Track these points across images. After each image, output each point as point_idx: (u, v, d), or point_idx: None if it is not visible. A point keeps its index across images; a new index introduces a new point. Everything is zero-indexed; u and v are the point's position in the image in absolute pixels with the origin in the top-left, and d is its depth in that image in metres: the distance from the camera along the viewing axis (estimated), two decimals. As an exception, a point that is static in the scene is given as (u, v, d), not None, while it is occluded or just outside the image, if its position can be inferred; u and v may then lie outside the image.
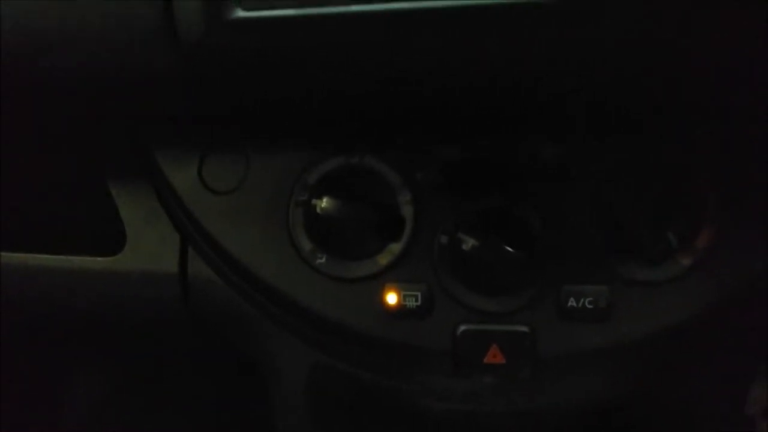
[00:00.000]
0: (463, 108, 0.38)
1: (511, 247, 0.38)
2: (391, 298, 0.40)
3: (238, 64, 0.34)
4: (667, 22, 0.30)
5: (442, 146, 0.40)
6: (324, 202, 0.39)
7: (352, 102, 0.38)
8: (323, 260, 0.41)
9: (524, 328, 0.40)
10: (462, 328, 0.40)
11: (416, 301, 0.40)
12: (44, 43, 0.35)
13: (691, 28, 0.30)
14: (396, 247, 0.41)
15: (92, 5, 0.33)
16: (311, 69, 0.34)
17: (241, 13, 0.31)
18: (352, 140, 0.41)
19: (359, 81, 0.35)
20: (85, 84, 0.37)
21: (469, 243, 0.38)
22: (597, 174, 0.39)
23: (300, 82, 0.36)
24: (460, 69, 0.34)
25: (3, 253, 0.50)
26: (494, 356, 0.40)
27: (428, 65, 0.33)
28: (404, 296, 0.40)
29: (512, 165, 0.39)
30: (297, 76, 0.35)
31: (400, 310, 0.40)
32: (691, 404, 0.45)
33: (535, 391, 0.43)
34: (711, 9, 0.29)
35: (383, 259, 0.41)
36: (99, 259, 0.47)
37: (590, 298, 0.39)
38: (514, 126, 0.40)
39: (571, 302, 0.39)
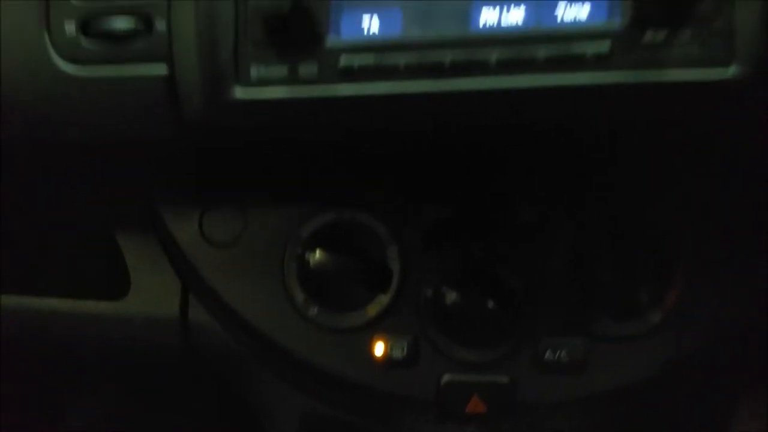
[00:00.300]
0: (446, 173, 0.41)
1: (491, 302, 0.40)
2: (379, 348, 0.43)
3: (235, 138, 0.37)
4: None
5: (428, 205, 0.43)
6: (316, 256, 0.42)
7: (343, 166, 0.41)
8: (315, 311, 0.43)
9: (504, 379, 0.42)
10: (446, 378, 0.42)
11: (403, 351, 0.42)
12: (59, 119, 0.38)
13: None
14: (384, 299, 0.43)
15: (103, 85, 0.36)
16: (303, 141, 0.37)
17: (238, 95, 0.34)
18: (344, 197, 0.43)
19: (347, 151, 0.38)
20: (94, 150, 0.40)
21: (452, 297, 0.41)
22: (572, 235, 0.41)
23: (292, 151, 0.38)
24: (447, 145, 0.37)
25: (12, 296, 0.52)
26: (476, 405, 0.42)
27: (415, 140, 0.36)
28: (391, 347, 0.42)
29: (493, 225, 0.42)
30: (290, 147, 0.38)
31: (387, 359, 0.42)
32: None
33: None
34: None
35: (372, 310, 0.43)
36: (104, 303, 0.50)
37: (567, 351, 0.41)
38: (496, 188, 0.42)
39: (549, 355, 0.41)
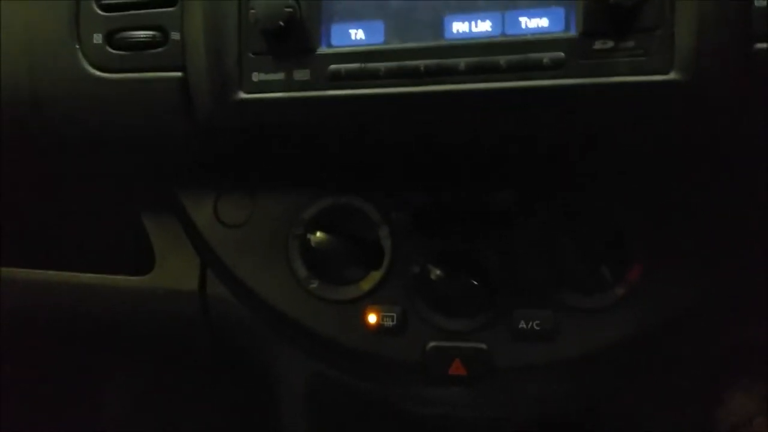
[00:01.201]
0: (431, 163, 0.46)
1: (471, 278, 0.45)
2: (372, 318, 0.48)
3: (241, 133, 0.42)
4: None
5: (414, 193, 0.47)
6: (317, 236, 0.47)
7: (340, 157, 0.46)
8: (316, 285, 0.49)
9: (482, 346, 0.47)
10: (431, 344, 0.47)
11: (393, 320, 0.48)
12: (89, 118, 0.43)
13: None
14: (376, 275, 0.48)
15: (126, 88, 0.42)
16: (300, 137, 0.42)
17: (242, 96, 0.39)
18: (341, 184, 0.48)
19: (339, 146, 0.43)
20: (120, 145, 0.46)
21: (436, 273, 0.46)
22: (543, 218, 0.45)
23: (291, 145, 0.43)
24: (425, 146, 0.41)
25: (49, 271, 0.59)
26: (457, 368, 0.47)
27: (393, 138, 0.41)
28: (383, 316, 0.48)
29: (473, 210, 0.47)
30: (288, 142, 0.43)
31: (379, 328, 0.48)
32: (637, 417, 0.52)
33: (495, 398, 0.50)
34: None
35: (365, 285, 0.48)
36: (132, 278, 0.56)
37: (538, 321, 0.46)
38: (476, 178, 0.47)
39: (522, 324, 0.46)
